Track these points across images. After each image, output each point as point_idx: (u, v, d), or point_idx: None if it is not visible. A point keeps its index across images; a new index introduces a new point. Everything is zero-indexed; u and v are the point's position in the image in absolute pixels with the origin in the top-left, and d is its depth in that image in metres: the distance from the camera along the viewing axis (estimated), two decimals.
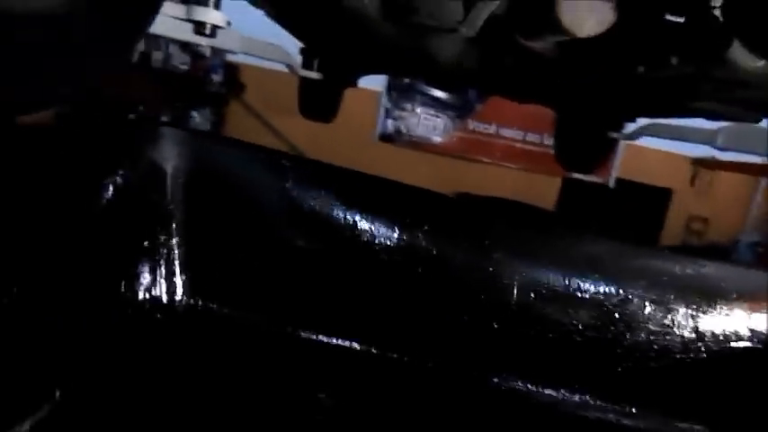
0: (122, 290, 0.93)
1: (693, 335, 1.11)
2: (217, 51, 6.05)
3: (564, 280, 1.11)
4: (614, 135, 3.80)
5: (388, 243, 1.05)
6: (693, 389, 1.12)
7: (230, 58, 6.54)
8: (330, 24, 2.46)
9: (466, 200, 6.59)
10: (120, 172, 0.93)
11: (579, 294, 1.11)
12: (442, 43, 2.48)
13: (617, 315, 1.10)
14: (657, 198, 6.90)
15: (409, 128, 7.18)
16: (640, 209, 6.89)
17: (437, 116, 7.13)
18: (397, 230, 1.05)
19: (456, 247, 1.08)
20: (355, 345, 1.04)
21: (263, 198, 1.07)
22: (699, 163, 5.65)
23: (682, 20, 1.41)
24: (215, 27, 2.01)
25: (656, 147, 5.11)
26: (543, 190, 6.99)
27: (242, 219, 1.07)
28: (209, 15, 1.95)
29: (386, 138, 7.19)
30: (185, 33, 2.42)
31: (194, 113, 6.31)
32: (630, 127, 3.64)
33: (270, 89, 6.58)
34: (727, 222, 6.86)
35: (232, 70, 6.84)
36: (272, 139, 6.96)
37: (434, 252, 1.06)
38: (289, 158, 1.05)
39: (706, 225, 6.89)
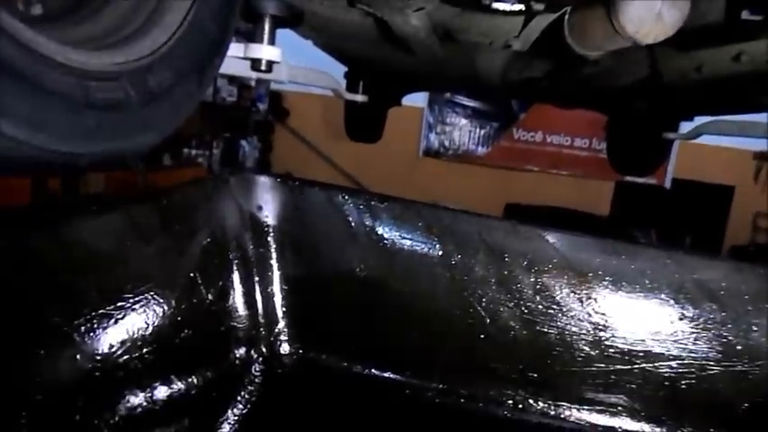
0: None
1: None
2: (262, 81, 6.22)
3: None
4: (670, 136, 3.70)
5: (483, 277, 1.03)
6: None
7: (274, 86, 6.71)
8: (379, 51, 2.50)
9: (515, 211, 6.51)
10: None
11: None
12: (490, 59, 2.48)
13: None
14: (719, 196, 6.62)
15: (453, 141, 7.16)
16: (701, 209, 6.63)
17: (481, 128, 7.09)
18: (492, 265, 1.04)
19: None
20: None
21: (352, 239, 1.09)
22: (762, 157, 5.39)
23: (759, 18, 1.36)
24: (271, 63, 2.07)
25: (713, 143, 4.91)
26: (595, 195, 6.81)
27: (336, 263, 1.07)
28: (266, 52, 2.00)
29: (431, 153, 7.18)
30: (240, 69, 2.50)
31: (243, 142, 6.49)
32: (687, 126, 3.53)
33: (313, 114, 6.71)
34: None
35: (276, 98, 7.02)
36: (319, 163, 7.07)
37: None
38: (376, 198, 1.06)
39: None
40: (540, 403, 1.03)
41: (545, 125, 6.93)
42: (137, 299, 0.84)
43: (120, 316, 0.81)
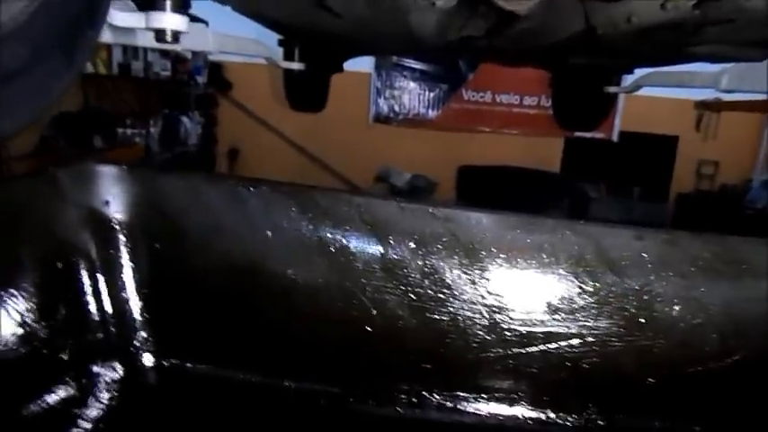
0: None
1: None
2: (198, 53, 5.92)
3: None
4: (612, 90, 3.68)
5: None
6: None
7: (213, 57, 6.41)
8: (302, 15, 2.35)
9: (468, 172, 6.48)
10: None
11: None
12: (421, 17, 2.36)
13: None
14: (664, 146, 6.74)
15: (403, 105, 7.04)
16: (648, 160, 6.74)
17: (430, 90, 6.98)
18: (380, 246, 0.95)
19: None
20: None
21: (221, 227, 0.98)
22: (703, 106, 5.46)
23: None
24: (177, 33, 1.90)
25: (656, 95, 4.95)
26: (546, 153, 6.84)
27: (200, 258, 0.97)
28: (168, 21, 1.83)
29: (381, 118, 7.05)
30: (151, 41, 2.32)
31: (184, 118, 6.21)
32: (629, 79, 3.52)
33: (258, 84, 6.45)
34: (738, 163, 6.69)
35: (217, 69, 6.72)
36: (267, 135, 6.86)
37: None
38: (242, 183, 0.95)
39: (716, 168, 6.72)
40: (435, 396, 0.97)
41: (494, 85, 6.87)
42: None
43: None
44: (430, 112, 7.07)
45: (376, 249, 0.94)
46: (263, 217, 0.95)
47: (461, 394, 0.96)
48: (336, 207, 0.94)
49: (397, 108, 7.09)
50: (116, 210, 0.95)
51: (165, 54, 5.80)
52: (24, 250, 0.84)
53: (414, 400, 0.96)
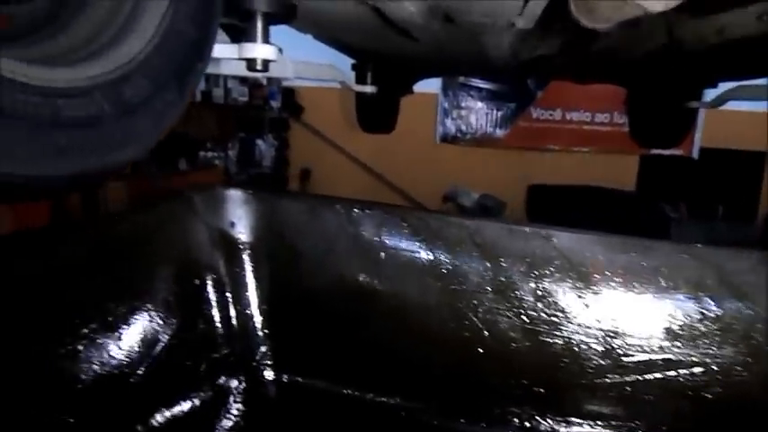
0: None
1: None
2: (273, 79, 6.17)
3: None
4: (695, 104, 3.53)
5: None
6: None
7: (286, 82, 6.66)
8: (381, 40, 2.42)
9: (539, 192, 6.36)
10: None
11: None
12: (497, 39, 2.38)
13: None
14: (749, 163, 6.35)
15: (470, 125, 7.02)
16: (732, 178, 6.37)
17: (497, 109, 6.93)
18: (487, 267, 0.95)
19: None
20: None
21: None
22: None
23: None
24: (266, 61, 2.00)
25: (740, 109, 4.70)
26: (620, 171, 6.61)
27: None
28: (259, 51, 1.94)
29: (448, 138, 7.06)
30: (240, 70, 2.45)
31: (259, 141, 6.47)
32: (712, 93, 3.37)
33: (328, 107, 6.64)
34: None
35: (289, 94, 6.97)
36: (337, 156, 7.02)
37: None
38: (358, 205, 0.98)
39: None
40: (548, 421, 0.95)
41: (563, 102, 6.74)
42: (100, 331, 0.79)
43: (88, 344, 0.76)
44: (498, 130, 7.01)
45: (487, 271, 0.95)
46: (376, 238, 0.98)
47: (575, 420, 0.94)
48: (448, 229, 0.96)
49: (464, 128, 7.08)
50: (241, 231, 1.01)
51: (243, 81, 6.10)
52: (164, 268, 0.91)
53: (526, 424, 0.95)
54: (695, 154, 6.49)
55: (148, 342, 0.87)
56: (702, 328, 0.89)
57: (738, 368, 0.88)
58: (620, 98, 4.02)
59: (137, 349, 0.84)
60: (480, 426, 0.97)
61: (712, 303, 0.89)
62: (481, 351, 0.96)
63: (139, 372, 0.83)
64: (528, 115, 6.87)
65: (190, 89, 1.36)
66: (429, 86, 6.45)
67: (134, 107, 1.14)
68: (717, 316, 0.89)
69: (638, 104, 3.93)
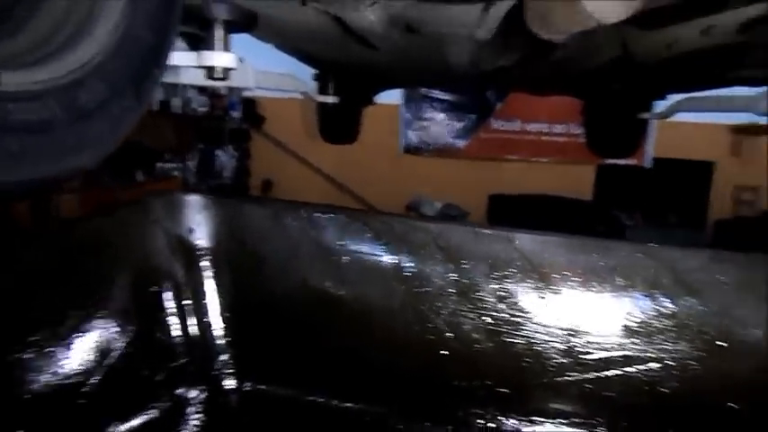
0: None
1: None
2: (233, 89, 6.11)
3: None
4: (646, 115, 3.67)
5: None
6: None
7: (247, 93, 6.60)
8: (342, 50, 2.43)
9: (499, 201, 6.46)
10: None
11: None
12: (457, 50, 2.41)
13: None
14: (699, 172, 6.63)
15: (433, 136, 7.10)
16: (683, 186, 6.63)
17: (458, 120, 7.04)
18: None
19: None
20: None
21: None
22: (741, 131, 5.39)
23: None
24: (226, 70, 1.98)
25: (689, 120, 4.90)
26: (578, 180, 6.79)
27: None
28: (219, 59, 1.92)
29: (411, 149, 7.12)
30: (200, 78, 2.42)
31: (219, 152, 6.37)
32: (662, 105, 3.51)
33: (290, 117, 6.61)
34: None
35: (250, 105, 6.90)
36: (299, 167, 6.98)
37: None
38: (320, 210, 0.97)
39: (756, 194, 6.57)
40: (511, 420, 0.96)
41: (522, 113, 6.90)
42: (52, 340, 0.76)
43: (38, 353, 0.73)
44: (459, 141, 7.11)
45: (450, 273, 0.95)
46: (340, 243, 0.98)
47: (538, 419, 0.96)
48: (411, 233, 0.96)
49: (426, 138, 7.16)
50: (200, 237, 0.99)
51: (202, 91, 6.01)
52: (121, 275, 0.88)
53: (490, 425, 0.96)
54: (648, 164, 6.73)
55: (103, 351, 0.83)
56: (658, 325, 0.92)
57: (693, 363, 0.91)
58: (576, 109, 4.13)
59: (90, 359, 0.80)
60: (445, 428, 0.97)
61: (667, 301, 0.92)
62: (445, 353, 0.96)
63: (93, 382, 0.80)
64: (488, 126, 7.00)
65: (148, 95, 1.33)
66: (391, 98, 6.50)
67: (89, 112, 1.11)
68: (672, 313, 0.92)
69: (593, 115, 4.05)
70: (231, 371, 1.00)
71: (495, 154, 6.97)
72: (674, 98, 3.18)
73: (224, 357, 0.99)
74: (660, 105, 3.47)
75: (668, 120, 3.60)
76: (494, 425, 0.96)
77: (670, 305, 0.91)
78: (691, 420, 0.92)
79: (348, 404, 0.99)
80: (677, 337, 0.90)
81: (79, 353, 0.80)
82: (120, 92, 1.20)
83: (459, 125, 7.04)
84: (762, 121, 4.91)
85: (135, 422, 0.84)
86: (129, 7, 1.19)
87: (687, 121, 5.08)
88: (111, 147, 1.19)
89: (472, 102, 6.90)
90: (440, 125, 7.05)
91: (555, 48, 1.99)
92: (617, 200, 6.56)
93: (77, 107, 1.10)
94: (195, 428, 0.90)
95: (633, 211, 6.54)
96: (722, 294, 0.89)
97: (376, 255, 0.98)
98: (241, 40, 2.07)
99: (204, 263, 1.00)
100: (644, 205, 6.61)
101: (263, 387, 1.00)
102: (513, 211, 6.13)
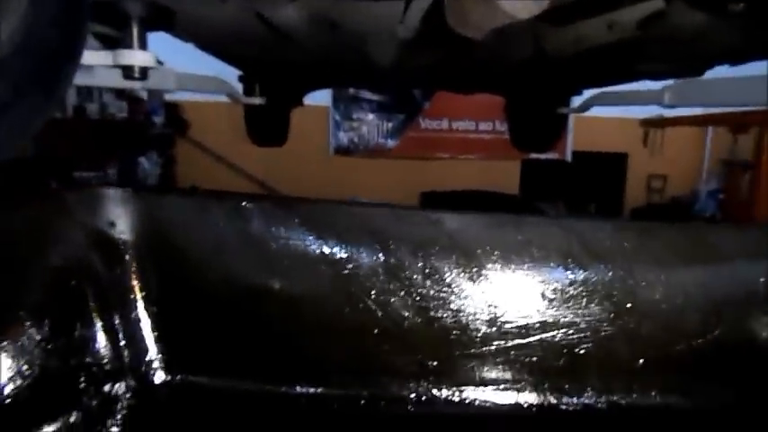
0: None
1: None
2: (154, 93, 5.89)
3: None
4: (564, 110, 3.85)
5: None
6: None
7: (169, 97, 6.38)
8: (266, 49, 2.40)
9: (430, 198, 6.59)
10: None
11: None
12: (381, 48, 2.45)
13: None
14: (614, 164, 7.04)
15: (363, 137, 7.15)
16: (600, 177, 7.02)
17: (387, 120, 7.12)
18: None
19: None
20: None
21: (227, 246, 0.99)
22: (648, 123, 5.77)
23: None
24: (145, 69, 1.92)
25: (604, 115, 5.20)
26: (504, 175, 7.04)
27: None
28: (136, 58, 1.85)
29: (341, 150, 7.13)
30: (117, 80, 2.33)
31: (141, 159, 6.13)
32: (578, 100, 3.70)
33: (216, 122, 6.45)
34: (685, 176, 7.05)
35: (173, 109, 6.68)
36: (227, 172, 6.82)
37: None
38: (245, 199, 0.97)
39: (665, 182, 7.06)
40: (443, 392, 1.00)
41: (449, 112, 7.07)
42: None
43: None
44: (389, 141, 7.20)
45: (378, 255, 0.97)
46: (266, 231, 0.98)
47: (468, 387, 0.99)
48: (338, 217, 0.97)
49: (356, 139, 7.19)
50: (122, 230, 0.96)
51: (120, 95, 5.75)
52: (35, 270, 0.84)
53: (423, 398, 0.99)
54: (569, 157, 7.07)
55: (20, 355, 0.79)
56: (572, 292, 0.98)
57: (605, 324, 0.98)
58: (500, 107, 4.28)
59: (9, 362, 0.76)
60: (380, 404, 0.99)
61: (578, 268, 0.99)
62: (376, 332, 0.99)
63: (12, 387, 0.76)
64: (417, 126, 7.13)
65: (57, 95, 1.27)
66: (320, 99, 6.49)
67: None
68: (583, 279, 0.98)
69: (515, 112, 4.21)
70: (161, 365, 0.97)
71: (425, 152, 7.11)
72: (589, 93, 3.37)
73: (152, 351, 0.96)
74: (577, 101, 3.66)
75: (584, 114, 3.81)
76: (427, 397, 0.99)
77: (581, 272, 0.98)
78: (606, 378, 0.99)
79: (282, 390, 0.99)
80: (588, 302, 0.97)
81: None
82: (25, 92, 1.14)
83: (388, 125, 7.13)
84: (667, 114, 5.28)
85: (62, 421, 0.80)
86: (32, 4, 1.14)
87: (601, 116, 5.39)
88: (13, 149, 1.12)
89: (400, 102, 7.01)
90: (369, 125, 7.11)
91: (474, 46, 2.06)
92: (542, 192, 6.85)
93: None
94: (124, 424, 0.87)
95: (556, 203, 6.85)
96: (626, 259, 0.96)
97: (303, 241, 0.99)
98: (161, 41, 2.01)
99: (127, 257, 0.97)
100: (566, 196, 6.95)
101: (194, 379, 0.98)
102: (444, 207, 6.25)
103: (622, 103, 3.38)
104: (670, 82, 2.69)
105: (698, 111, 5.47)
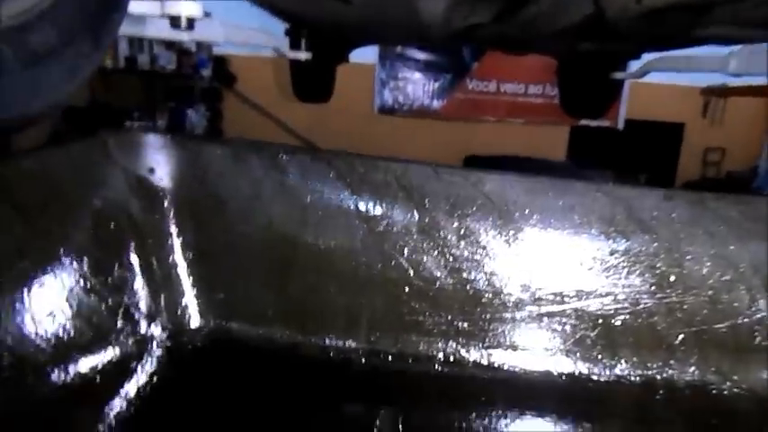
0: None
1: None
2: (202, 46, 5.92)
3: None
4: (619, 76, 3.68)
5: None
6: None
7: (217, 50, 6.41)
8: (314, 2, 2.36)
9: (474, 162, 6.49)
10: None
11: None
12: (430, 5, 2.38)
13: None
14: (670, 134, 6.74)
15: (408, 96, 7.03)
16: (654, 147, 6.74)
17: (434, 80, 6.97)
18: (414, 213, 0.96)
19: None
20: None
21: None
22: (709, 92, 5.46)
23: None
24: (191, 19, 1.92)
25: (662, 82, 4.95)
26: (552, 141, 6.84)
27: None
28: (183, 7, 1.86)
29: (385, 110, 7.05)
30: (165, 30, 2.34)
31: (189, 111, 6.22)
32: (635, 65, 3.52)
33: (263, 77, 6.46)
34: (744, 150, 6.69)
35: (221, 63, 6.72)
36: (272, 127, 6.87)
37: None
38: (282, 150, 0.96)
39: (722, 155, 6.72)
40: (472, 354, 0.99)
41: (498, 74, 6.86)
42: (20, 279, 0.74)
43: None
44: (434, 102, 7.06)
45: (412, 212, 0.96)
46: (303, 183, 0.98)
47: (497, 351, 0.99)
48: (374, 173, 0.96)
49: (401, 99, 7.08)
50: (161, 177, 0.98)
51: (169, 47, 5.81)
52: (77, 210, 0.87)
53: (451, 358, 0.99)
54: (621, 125, 6.80)
55: (62, 292, 0.83)
56: (613, 261, 0.95)
57: (644, 296, 0.95)
58: (552, 70, 4.12)
59: (52, 300, 0.80)
60: (408, 362, 1.00)
61: (621, 237, 0.95)
62: (407, 290, 0.98)
63: (52, 323, 0.80)
64: (464, 87, 6.95)
65: (106, 41, 1.28)
66: (366, 57, 6.40)
67: (41, 58, 1.07)
68: (625, 248, 0.95)
69: (567, 75, 4.05)
70: (195, 310, 1.00)
71: (471, 115, 6.96)
72: (648, 57, 3.20)
73: (188, 297, 0.99)
74: (634, 65, 3.48)
75: (641, 80, 3.63)
76: (455, 357, 0.99)
77: (623, 241, 0.94)
78: (641, 351, 0.97)
79: (312, 341, 1.01)
80: (629, 273, 0.94)
81: (39, 296, 0.79)
82: (74, 38, 1.15)
83: (434, 85, 6.98)
84: (730, 83, 4.99)
85: (98, 357, 0.84)
86: None
87: (659, 83, 5.13)
88: (67, 93, 1.15)
89: (448, 61, 6.83)
90: (415, 85, 6.98)
91: (528, 3, 1.97)
92: (590, 161, 6.64)
93: (28, 52, 1.06)
94: (159, 366, 0.91)
95: (605, 172, 6.63)
96: (673, 231, 0.92)
97: (339, 194, 0.99)
98: None
99: (166, 204, 0.99)
100: (616, 166, 6.71)
101: (227, 325, 1.01)
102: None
103: (684, 69, 3.20)
104: (736, 48, 2.52)
105: (764, 81, 5.15)
